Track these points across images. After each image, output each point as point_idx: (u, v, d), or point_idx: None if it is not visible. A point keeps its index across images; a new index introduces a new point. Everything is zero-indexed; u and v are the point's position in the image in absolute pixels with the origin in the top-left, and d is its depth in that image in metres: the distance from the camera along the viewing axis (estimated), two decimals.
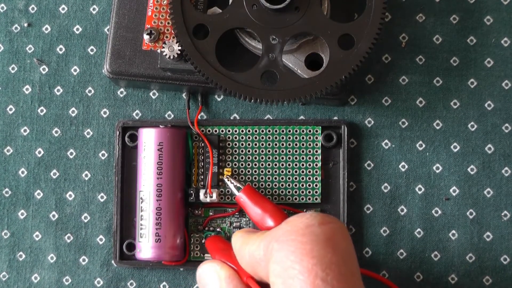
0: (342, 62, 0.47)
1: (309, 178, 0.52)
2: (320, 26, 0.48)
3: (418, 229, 0.53)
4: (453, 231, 0.53)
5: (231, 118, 0.54)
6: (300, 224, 0.40)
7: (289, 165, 0.53)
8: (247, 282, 0.44)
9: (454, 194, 0.53)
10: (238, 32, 0.50)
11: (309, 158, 0.53)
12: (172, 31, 0.49)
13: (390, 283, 0.46)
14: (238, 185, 0.51)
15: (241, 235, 0.46)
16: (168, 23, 0.51)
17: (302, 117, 0.54)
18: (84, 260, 0.54)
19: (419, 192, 0.53)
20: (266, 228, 0.49)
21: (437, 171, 0.54)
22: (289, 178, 0.53)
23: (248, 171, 0.53)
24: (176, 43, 0.49)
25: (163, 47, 0.50)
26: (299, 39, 0.50)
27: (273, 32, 0.48)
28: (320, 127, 0.53)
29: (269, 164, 0.53)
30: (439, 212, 0.53)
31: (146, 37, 0.51)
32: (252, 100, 0.47)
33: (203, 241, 0.53)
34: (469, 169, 0.54)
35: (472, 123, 0.54)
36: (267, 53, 0.48)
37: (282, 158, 0.53)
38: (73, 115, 0.55)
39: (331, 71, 0.48)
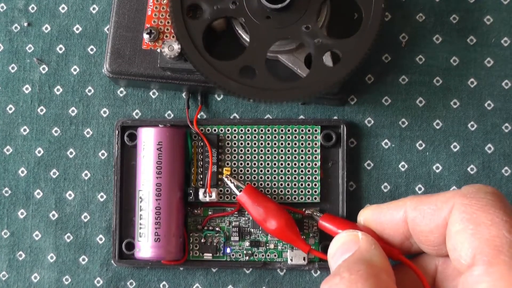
0: (322, 76, 0.47)
1: (308, 178, 0.52)
2: (308, 36, 0.47)
3: None
4: None
5: (231, 117, 0.54)
6: (486, 189, 0.43)
7: (288, 164, 0.53)
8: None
9: None
10: (232, 21, 0.50)
11: (308, 157, 0.53)
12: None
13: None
14: (239, 184, 0.51)
15: (373, 207, 0.48)
16: (168, 22, 0.51)
17: (302, 116, 0.54)
18: (83, 259, 0.54)
19: (419, 192, 0.53)
20: (269, 227, 0.49)
21: (437, 171, 0.54)
22: (288, 178, 0.53)
23: (247, 171, 0.53)
24: (179, 48, 0.49)
25: (163, 47, 0.50)
26: None
27: (263, 29, 0.48)
28: (319, 126, 0.53)
29: (268, 164, 0.53)
30: None
31: (146, 36, 0.51)
32: (223, 90, 0.47)
33: (202, 240, 0.53)
34: (469, 169, 0.53)
35: (472, 122, 0.54)
36: (252, 47, 0.47)
37: (281, 157, 0.53)
38: (73, 114, 0.55)
39: (308, 81, 0.47)
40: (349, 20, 0.52)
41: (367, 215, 0.48)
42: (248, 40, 0.49)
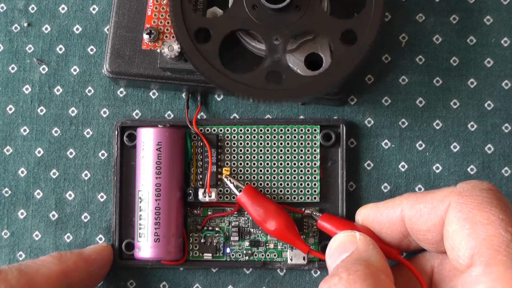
0: (346, 58, 0.47)
1: (308, 177, 0.52)
2: (321, 23, 0.48)
3: None
4: None
5: (231, 117, 0.54)
6: (482, 185, 0.43)
7: (288, 164, 0.53)
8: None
9: None
10: (238, 33, 0.50)
11: (308, 157, 0.53)
12: (174, 35, 0.48)
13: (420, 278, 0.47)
14: (239, 184, 0.51)
15: (370, 206, 0.48)
16: (168, 22, 0.51)
17: (301, 116, 0.54)
18: None
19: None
20: (269, 227, 0.50)
21: (437, 171, 0.53)
22: (287, 177, 0.53)
23: (247, 170, 0.53)
24: (179, 48, 0.49)
25: (163, 47, 0.50)
26: (299, 39, 0.49)
27: (275, 32, 0.48)
28: (319, 126, 0.53)
29: (267, 164, 0.53)
30: None
31: (145, 36, 0.51)
32: (257, 100, 0.47)
33: (202, 240, 0.53)
34: (469, 169, 0.53)
35: (472, 123, 0.54)
36: (271, 53, 0.48)
37: (281, 157, 0.53)
38: (72, 114, 0.55)
39: (335, 67, 0.47)
40: (349, 5, 0.52)
41: (364, 214, 0.48)
42: (258, 46, 0.49)
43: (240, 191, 0.51)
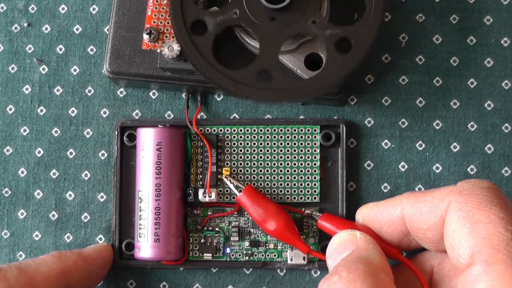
0: (339, 66, 0.47)
1: (308, 178, 0.52)
2: (318, 28, 0.48)
3: None
4: None
5: (231, 117, 0.54)
6: (482, 184, 0.43)
7: (288, 164, 0.53)
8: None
9: None
10: (236, 31, 0.50)
11: (308, 157, 0.53)
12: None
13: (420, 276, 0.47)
14: (239, 184, 0.51)
15: (370, 205, 0.48)
16: (168, 22, 0.51)
17: (301, 116, 0.54)
18: None
19: None
20: (269, 228, 0.49)
21: (437, 171, 0.53)
22: (287, 178, 0.53)
23: (247, 171, 0.53)
24: (179, 48, 0.49)
25: (163, 47, 0.50)
26: (299, 38, 0.49)
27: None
28: (319, 126, 0.53)
29: (267, 164, 0.53)
30: None
31: (145, 36, 0.51)
32: (246, 98, 0.47)
33: (202, 240, 0.53)
34: (469, 169, 0.53)
35: (472, 123, 0.54)
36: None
37: (281, 157, 0.53)
38: (72, 115, 0.55)
39: (327, 73, 0.47)
40: (350, 9, 0.52)
41: (364, 213, 0.48)
42: (254, 44, 0.49)
43: (240, 191, 0.51)
